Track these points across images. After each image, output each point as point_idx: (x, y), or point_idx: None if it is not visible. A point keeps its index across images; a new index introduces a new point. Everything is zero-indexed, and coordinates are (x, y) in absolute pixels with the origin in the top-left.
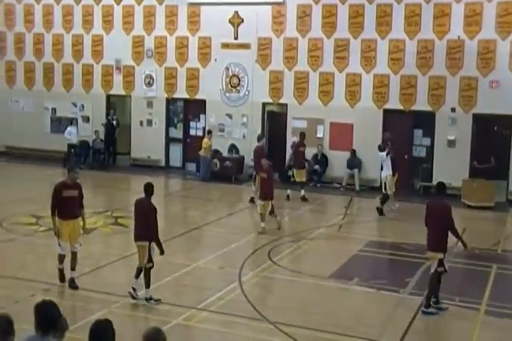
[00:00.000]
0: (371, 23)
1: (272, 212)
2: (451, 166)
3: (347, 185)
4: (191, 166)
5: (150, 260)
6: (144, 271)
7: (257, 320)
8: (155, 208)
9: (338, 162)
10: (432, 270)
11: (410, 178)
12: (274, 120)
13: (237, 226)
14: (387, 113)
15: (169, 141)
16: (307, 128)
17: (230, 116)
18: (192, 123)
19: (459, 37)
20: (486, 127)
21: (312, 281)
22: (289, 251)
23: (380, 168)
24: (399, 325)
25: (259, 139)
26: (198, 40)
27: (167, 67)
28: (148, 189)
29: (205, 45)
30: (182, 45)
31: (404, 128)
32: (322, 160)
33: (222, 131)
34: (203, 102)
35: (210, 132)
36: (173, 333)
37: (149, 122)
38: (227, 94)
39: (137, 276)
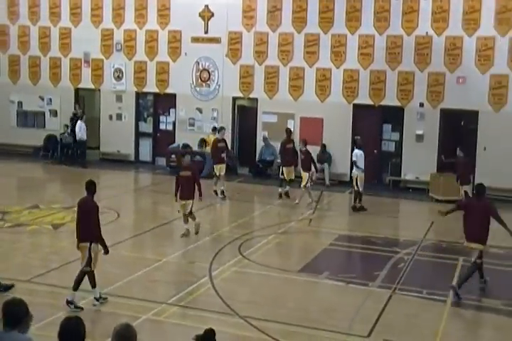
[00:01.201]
0: (341, 19)
1: (190, 213)
2: (420, 161)
3: (317, 180)
4: (161, 161)
5: (88, 263)
6: (86, 275)
7: (227, 314)
8: (97, 206)
9: None
10: (473, 260)
11: (379, 173)
12: (245, 114)
13: (207, 221)
14: (356, 108)
15: (139, 135)
16: (277, 122)
17: (200, 110)
18: (162, 118)
19: (427, 33)
20: (453, 122)
21: (282, 275)
22: (260, 245)
23: (352, 164)
24: (368, 317)
25: (218, 131)
26: (168, 34)
27: (137, 61)
28: (90, 187)
29: (175, 39)
30: (152, 39)
31: (373, 123)
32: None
33: (193, 125)
34: (173, 96)
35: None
36: (143, 329)
37: (119, 116)
38: (197, 89)
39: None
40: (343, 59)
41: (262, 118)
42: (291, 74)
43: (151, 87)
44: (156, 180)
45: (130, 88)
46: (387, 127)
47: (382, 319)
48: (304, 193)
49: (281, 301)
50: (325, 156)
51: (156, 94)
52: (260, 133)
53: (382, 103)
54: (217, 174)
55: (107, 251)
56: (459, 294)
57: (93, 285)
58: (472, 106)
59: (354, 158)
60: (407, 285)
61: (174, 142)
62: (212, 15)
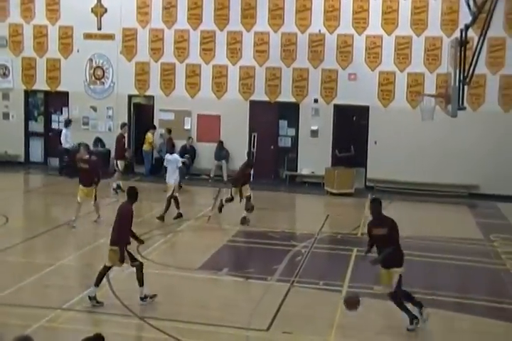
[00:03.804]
0: (236, 16)
1: (95, 199)
2: (315, 155)
3: (215, 177)
4: (54, 161)
5: (134, 260)
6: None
7: (126, 315)
8: (131, 211)
9: (205, 153)
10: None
11: (276, 168)
12: (141, 112)
13: (103, 221)
14: (253, 104)
15: (29, 135)
16: (174, 120)
17: (94, 108)
18: (54, 117)
19: (319, 31)
20: (345, 117)
21: (182, 274)
22: (158, 244)
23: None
24: (267, 311)
25: (121, 127)
26: (59, 30)
27: (24, 57)
28: (131, 193)
29: (66, 35)
30: (41, 35)
31: (269, 119)
32: (190, 152)
33: (87, 124)
34: (65, 94)
35: (154, 127)
36: (36, 337)
37: (5, 115)
38: (91, 86)
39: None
40: (239, 56)
41: (158, 116)
42: (187, 71)
43: (42, 84)
44: (48, 181)
45: (18, 86)
46: (283, 123)
47: (281, 312)
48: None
49: (180, 300)
50: (222, 153)
51: (46, 92)
52: (157, 131)
53: (278, 99)
54: (121, 169)
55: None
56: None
57: (97, 283)
58: (363, 102)
59: None
60: (304, 278)
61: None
62: (106, 11)
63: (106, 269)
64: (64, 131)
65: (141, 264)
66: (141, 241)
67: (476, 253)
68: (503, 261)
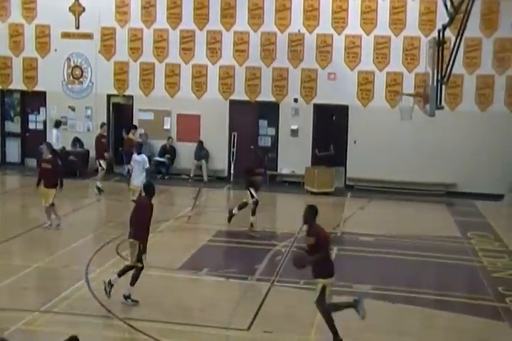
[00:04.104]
0: (216, 15)
1: (52, 204)
2: (295, 155)
3: (195, 176)
4: (31, 161)
5: (140, 259)
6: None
7: (105, 317)
8: (151, 206)
9: (185, 153)
10: None
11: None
12: (120, 112)
13: (83, 222)
14: (233, 104)
15: (5, 135)
16: (154, 120)
17: (72, 108)
18: (31, 117)
19: (299, 30)
20: (325, 117)
21: (162, 274)
22: None
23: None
24: (248, 311)
25: (101, 126)
26: (36, 29)
27: (0, 56)
28: (149, 189)
29: (43, 34)
30: (17, 33)
31: (249, 118)
32: (170, 152)
33: (65, 124)
34: (42, 94)
35: (134, 127)
36: (13, 340)
37: None
38: (69, 86)
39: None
40: (219, 55)
41: (138, 116)
42: (166, 70)
43: (18, 84)
44: (25, 182)
45: None
46: (263, 123)
47: (261, 311)
48: None
49: (161, 300)
50: (202, 153)
51: (23, 92)
52: (137, 131)
53: (258, 99)
54: (104, 168)
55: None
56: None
57: (120, 274)
58: (342, 102)
59: None
60: (285, 277)
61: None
62: (84, 10)
63: (131, 268)
64: (55, 132)
65: (142, 267)
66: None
67: (454, 251)
68: (480, 259)
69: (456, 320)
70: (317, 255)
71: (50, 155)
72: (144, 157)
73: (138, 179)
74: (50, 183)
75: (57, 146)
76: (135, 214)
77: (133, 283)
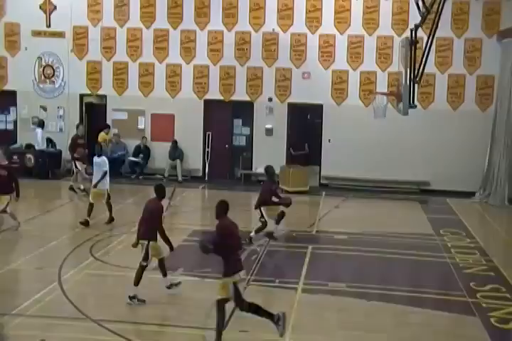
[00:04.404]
0: (190, 14)
1: (4, 211)
2: (270, 154)
3: (169, 176)
4: None
5: (145, 259)
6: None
7: (79, 319)
8: (162, 208)
9: (159, 153)
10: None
11: (231, 167)
12: (93, 112)
13: (55, 224)
14: (207, 103)
15: None
16: (128, 119)
17: (44, 108)
18: (1, 116)
19: (273, 30)
20: (300, 116)
21: None
22: (112, 245)
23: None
24: None
25: (77, 127)
26: (5, 27)
27: None
28: (159, 190)
29: (13, 32)
30: None
31: (224, 117)
32: (144, 151)
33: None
34: (13, 94)
35: (108, 126)
36: None
37: None
38: (40, 85)
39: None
40: (193, 55)
41: (111, 116)
42: (140, 70)
43: None
44: None
45: None
46: (237, 122)
47: (237, 311)
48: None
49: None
50: (177, 152)
51: None
52: (111, 131)
53: (233, 98)
54: (80, 170)
55: (171, 248)
56: None
57: (164, 273)
58: (317, 100)
59: None
60: (260, 276)
61: (16, 142)
62: (55, 8)
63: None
64: (39, 132)
65: (146, 266)
66: (171, 248)
67: (428, 248)
68: (452, 255)
69: (430, 316)
70: (210, 246)
71: (5, 162)
72: (104, 159)
73: (102, 183)
74: (4, 190)
75: (42, 146)
76: (148, 216)
77: (136, 282)
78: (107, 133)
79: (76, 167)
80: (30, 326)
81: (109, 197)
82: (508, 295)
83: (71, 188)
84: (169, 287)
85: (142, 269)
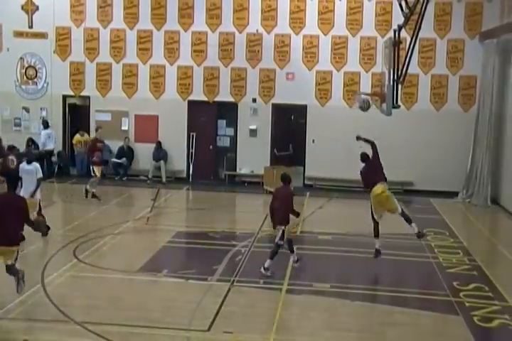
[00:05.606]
0: (173, 15)
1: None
2: (254, 155)
3: (153, 177)
4: None
5: (281, 239)
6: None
7: (62, 321)
8: (293, 194)
9: (143, 154)
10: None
11: (215, 168)
12: (77, 113)
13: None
14: (191, 104)
15: None
16: (111, 121)
17: (27, 109)
18: None
19: (257, 30)
20: (284, 117)
21: (121, 276)
22: (96, 247)
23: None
24: (207, 312)
25: (96, 130)
26: None
27: None
28: (286, 178)
29: None
30: None
31: (208, 118)
32: (128, 153)
33: (19, 125)
34: None
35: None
36: None
37: None
38: (23, 87)
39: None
40: (177, 56)
41: (95, 117)
42: (124, 71)
43: None
44: None
45: None
46: (221, 123)
47: (221, 312)
48: None
49: (119, 303)
50: (161, 154)
51: None
52: (92, 132)
53: (217, 99)
54: (98, 175)
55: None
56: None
57: (291, 250)
58: (301, 101)
59: None
60: (244, 277)
61: None
62: (37, 8)
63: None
64: (47, 132)
65: (282, 245)
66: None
67: (411, 248)
68: (435, 255)
69: (414, 316)
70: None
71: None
72: (36, 165)
73: (28, 191)
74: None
75: (47, 147)
76: (281, 203)
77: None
78: (82, 136)
79: (94, 172)
80: (12, 330)
81: (40, 209)
82: (490, 294)
83: (93, 196)
84: (296, 261)
85: (278, 247)
